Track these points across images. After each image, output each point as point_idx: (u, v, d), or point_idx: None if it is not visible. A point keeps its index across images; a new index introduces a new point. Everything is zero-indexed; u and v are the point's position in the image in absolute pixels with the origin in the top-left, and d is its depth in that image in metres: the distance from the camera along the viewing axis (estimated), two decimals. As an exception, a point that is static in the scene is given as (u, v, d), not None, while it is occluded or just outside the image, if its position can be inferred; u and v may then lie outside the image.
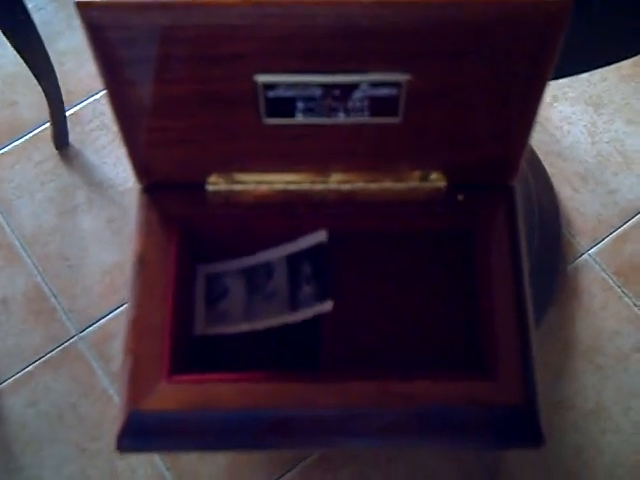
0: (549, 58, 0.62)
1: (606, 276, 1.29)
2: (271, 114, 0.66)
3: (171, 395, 0.68)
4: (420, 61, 0.62)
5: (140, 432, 0.68)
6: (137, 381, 0.68)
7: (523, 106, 0.67)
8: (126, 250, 1.32)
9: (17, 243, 1.33)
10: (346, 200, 0.75)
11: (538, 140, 1.39)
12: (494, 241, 0.73)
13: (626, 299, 1.27)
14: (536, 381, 0.69)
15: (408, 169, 0.74)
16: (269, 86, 0.62)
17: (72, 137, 1.41)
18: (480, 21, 0.58)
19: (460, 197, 0.74)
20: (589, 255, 1.31)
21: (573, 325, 1.26)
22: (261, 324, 0.77)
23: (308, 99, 0.64)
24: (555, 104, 1.42)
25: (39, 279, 1.30)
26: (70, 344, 1.26)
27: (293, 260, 0.79)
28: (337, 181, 0.75)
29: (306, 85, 0.62)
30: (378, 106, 0.65)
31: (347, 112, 0.65)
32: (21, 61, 1.23)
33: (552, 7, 0.57)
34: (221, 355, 0.80)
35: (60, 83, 1.33)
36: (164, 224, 0.75)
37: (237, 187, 0.75)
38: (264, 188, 0.75)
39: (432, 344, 0.78)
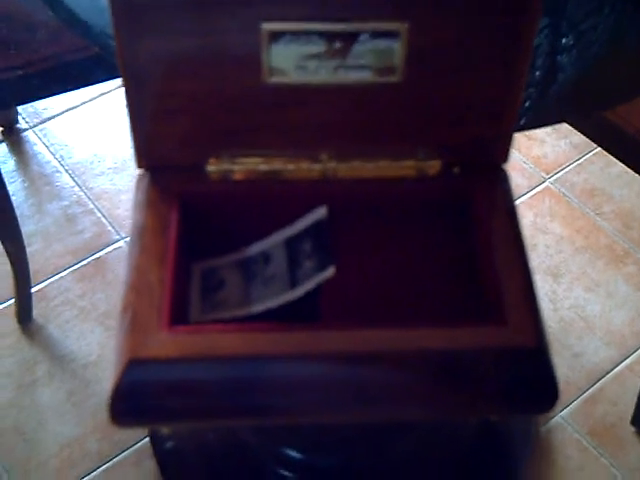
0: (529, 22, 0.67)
1: (580, 437, 1.26)
2: (274, 72, 0.66)
3: (171, 344, 0.66)
4: (418, 10, 0.65)
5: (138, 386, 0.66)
6: (135, 332, 0.67)
7: (510, 72, 0.70)
8: (87, 423, 1.27)
9: (-29, 419, 1.28)
10: (344, 177, 0.76)
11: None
12: (492, 210, 0.76)
13: (603, 459, 1.24)
14: (545, 327, 0.71)
15: (404, 147, 0.76)
16: (274, 36, 0.62)
17: (36, 312, 1.40)
18: None
19: (456, 170, 0.76)
20: (561, 417, 1.28)
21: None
22: (258, 307, 0.75)
23: (311, 57, 0.64)
24: (515, 274, 1.46)
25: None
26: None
27: (292, 242, 0.78)
28: (335, 159, 0.76)
29: (308, 35, 0.63)
30: (378, 62, 0.65)
31: (348, 70, 0.65)
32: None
33: None
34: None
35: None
36: (164, 200, 0.74)
37: (236, 167, 0.76)
38: (263, 168, 0.75)
39: (436, 303, 0.78)
